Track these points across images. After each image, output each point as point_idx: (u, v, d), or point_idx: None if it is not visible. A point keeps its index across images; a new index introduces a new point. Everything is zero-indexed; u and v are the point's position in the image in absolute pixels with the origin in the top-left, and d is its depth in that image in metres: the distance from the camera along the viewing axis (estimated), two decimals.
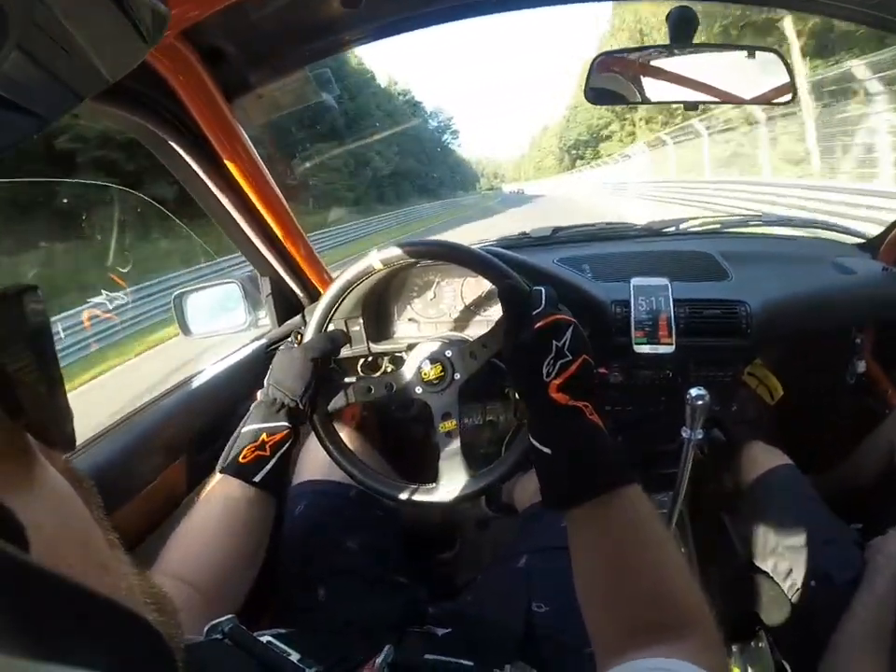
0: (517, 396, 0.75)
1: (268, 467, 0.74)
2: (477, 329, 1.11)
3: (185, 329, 1.19)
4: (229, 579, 0.71)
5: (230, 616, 0.57)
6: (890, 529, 1.00)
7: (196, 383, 1.07)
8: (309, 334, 0.85)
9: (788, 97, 0.97)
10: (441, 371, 0.81)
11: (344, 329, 1.10)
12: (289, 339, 0.84)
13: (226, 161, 0.91)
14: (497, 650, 0.68)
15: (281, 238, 1.10)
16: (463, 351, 0.81)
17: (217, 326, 1.21)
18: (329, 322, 0.88)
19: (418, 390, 0.84)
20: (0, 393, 0.24)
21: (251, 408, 0.79)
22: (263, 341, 1.23)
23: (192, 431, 1.00)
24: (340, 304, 0.87)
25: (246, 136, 0.91)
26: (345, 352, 1.13)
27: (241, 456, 0.73)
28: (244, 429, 0.76)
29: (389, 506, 1.00)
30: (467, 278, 1.17)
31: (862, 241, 1.47)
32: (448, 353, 0.81)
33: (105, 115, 0.80)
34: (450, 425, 0.82)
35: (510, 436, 1.39)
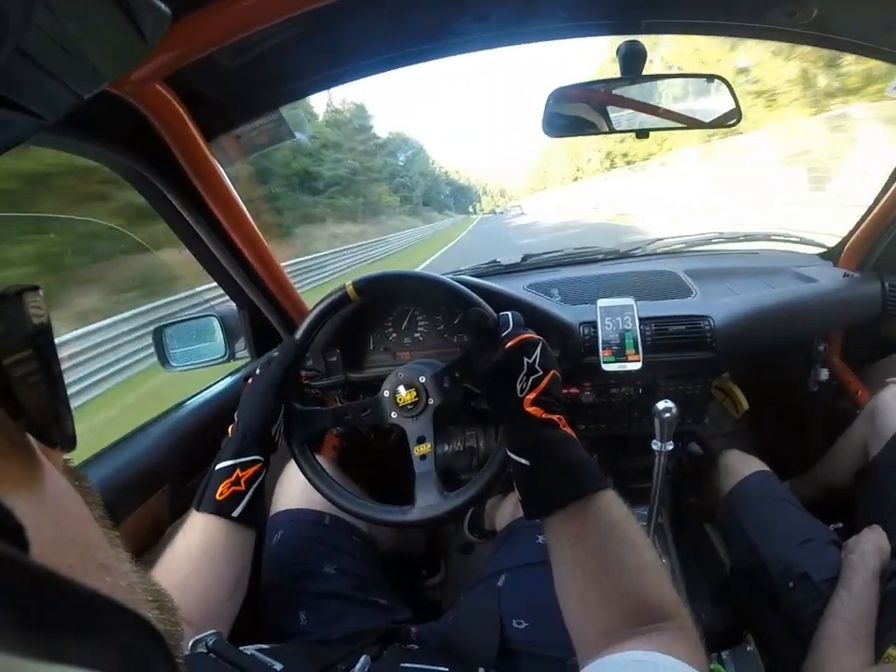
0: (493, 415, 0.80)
1: (244, 501, 0.77)
2: (451, 355, 1.16)
3: (164, 363, 1.22)
4: (215, 607, 0.73)
5: (213, 631, 0.60)
6: (866, 528, 1.06)
7: (178, 414, 1.10)
8: (293, 344, 0.89)
9: (734, 120, 1.05)
10: (415, 397, 0.85)
11: (322, 360, 1.15)
12: (257, 372, 0.87)
13: (205, 198, 0.95)
14: (473, 659, 0.71)
15: (258, 271, 1.14)
16: (437, 376, 0.85)
17: (197, 358, 1.24)
18: (306, 351, 0.91)
19: (394, 415, 0.87)
20: (1, 393, 0.24)
21: (223, 444, 0.82)
22: (240, 373, 1.26)
23: (175, 462, 1.02)
24: (315, 336, 0.91)
25: (225, 174, 0.95)
26: (323, 381, 1.18)
27: (217, 493, 0.76)
28: (217, 466, 0.78)
29: (366, 533, 1.03)
30: (440, 307, 1.22)
31: (823, 250, 1.57)
32: (422, 378, 0.85)
33: (87, 152, 0.84)
34: (424, 448, 0.85)
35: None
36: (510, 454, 0.66)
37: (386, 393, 0.87)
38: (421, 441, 0.86)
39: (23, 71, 0.26)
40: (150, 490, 0.96)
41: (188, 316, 1.27)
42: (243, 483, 0.77)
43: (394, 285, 0.89)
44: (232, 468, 0.77)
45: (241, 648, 0.62)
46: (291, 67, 0.88)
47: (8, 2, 0.21)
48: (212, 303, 1.32)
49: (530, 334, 0.71)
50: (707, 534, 1.44)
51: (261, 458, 0.80)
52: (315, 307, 0.90)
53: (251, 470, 0.78)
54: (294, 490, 1.01)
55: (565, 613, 0.61)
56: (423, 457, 0.85)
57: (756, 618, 1.15)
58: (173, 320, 1.25)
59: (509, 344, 0.69)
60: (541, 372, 0.67)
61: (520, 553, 0.94)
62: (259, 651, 0.63)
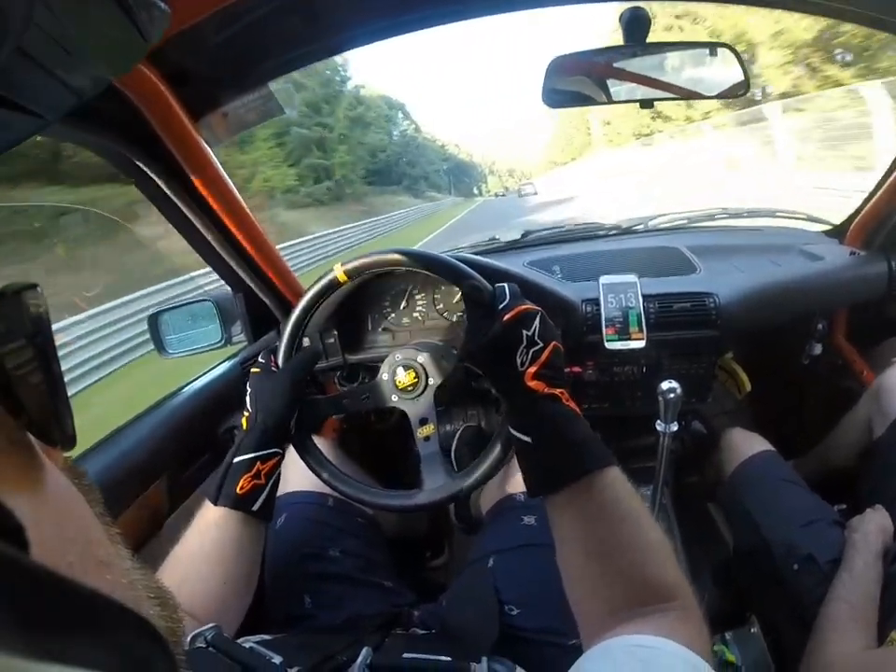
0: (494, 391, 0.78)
1: (264, 494, 0.76)
2: (450, 334, 1.14)
3: (160, 349, 1.21)
4: (227, 605, 0.72)
5: (212, 625, 0.59)
6: (869, 508, 1.05)
7: (174, 401, 1.08)
8: (282, 350, 0.86)
9: (742, 90, 1.01)
10: (414, 378, 0.83)
11: (319, 342, 1.13)
12: (261, 359, 0.85)
13: (194, 180, 0.92)
14: (475, 648, 0.70)
15: (252, 254, 1.12)
16: (435, 356, 0.83)
17: (193, 344, 1.23)
18: (302, 336, 0.89)
19: (394, 398, 0.86)
20: (1, 391, 0.24)
21: (240, 437, 0.79)
22: (238, 358, 1.25)
23: (173, 450, 1.01)
24: (311, 318, 0.89)
25: (213, 154, 0.92)
26: (321, 364, 1.15)
27: (238, 488, 0.74)
28: (236, 459, 0.76)
29: (369, 514, 1.03)
30: (439, 285, 1.19)
31: (828, 227, 1.53)
32: (420, 359, 0.83)
33: (71, 137, 0.82)
34: (427, 430, 0.84)
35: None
36: (512, 430, 0.64)
37: (385, 375, 0.86)
38: (423, 422, 0.84)
39: (23, 71, 0.26)
40: (148, 480, 0.95)
41: (183, 301, 1.25)
42: (263, 477, 0.76)
43: (384, 263, 0.85)
44: (252, 461, 0.76)
45: (240, 640, 0.62)
46: (278, 40, 0.85)
47: (8, 1, 0.21)
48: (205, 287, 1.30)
49: (528, 305, 0.68)
50: (709, 513, 1.43)
51: (280, 451, 0.80)
52: (305, 292, 0.87)
53: (270, 463, 0.77)
54: (297, 473, 0.99)
55: (568, 591, 0.60)
56: (427, 439, 0.84)
57: (759, 599, 1.14)
58: (168, 306, 1.23)
59: (506, 317, 0.66)
60: (541, 344, 0.65)
61: (506, 535, 0.93)
62: (259, 642, 0.62)
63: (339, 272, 0.83)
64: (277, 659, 0.57)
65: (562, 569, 0.61)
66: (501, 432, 0.77)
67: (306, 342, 1.06)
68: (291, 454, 1.03)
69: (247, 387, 0.83)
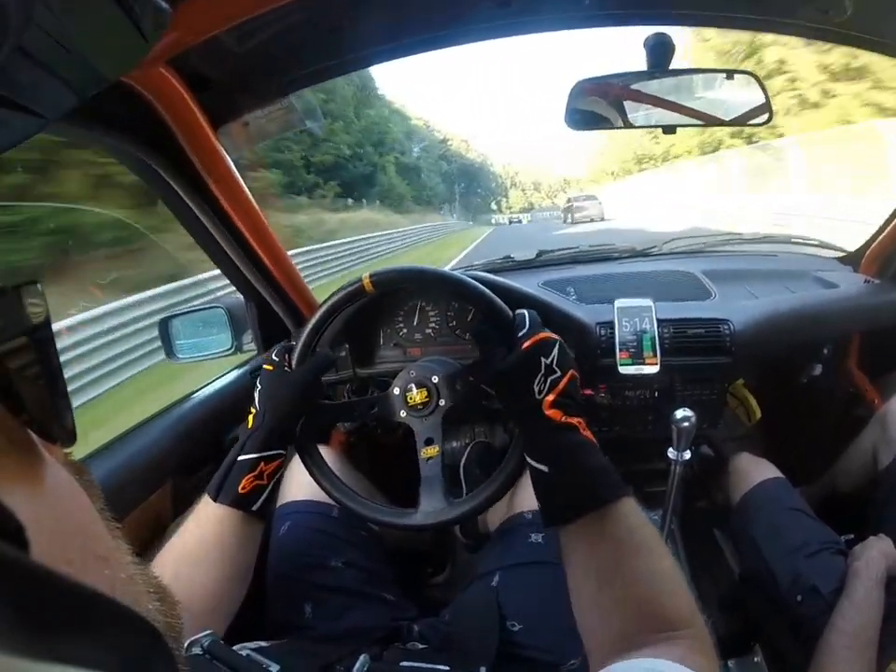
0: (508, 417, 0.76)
1: (265, 495, 0.76)
2: (463, 352, 1.13)
3: (170, 354, 1.20)
4: (220, 600, 0.72)
5: (209, 632, 0.58)
6: (871, 536, 1.03)
7: (182, 408, 1.08)
8: (297, 350, 0.85)
9: (765, 118, 1.01)
10: (426, 397, 0.82)
11: (330, 354, 1.12)
12: (275, 356, 0.84)
13: (211, 187, 0.92)
14: (474, 658, 0.70)
15: (266, 263, 1.12)
16: (450, 378, 0.82)
17: (203, 350, 1.22)
18: (316, 346, 0.88)
19: (402, 413, 0.84)
20: (1, 388, 0.24)
21: (244, 435, 0.79)
22: (247, 367, 1.24)
23: (179, 456, 1.00)
24: (326, 328, 0.88)
25: (232, 163, 0.92)
26: (331, 376, 1.15)
27: (240, 486, 0.74)
28: (240, 458, 0.76)
29: (373, 527, 1.01)
30: (451, 302, 1.19)
31: (842, 254, 1.52)
32: (434, 378, 0.82)
33: (92, 140, 0.81)
34: (432, 451, 0.82)
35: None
36: (527, 458, 0.64)
37: (397, 390, 0.85)
38: (429, 442, 0.83)
39: (24, 70, 0.26)
40: (154, 486, 0.94)
41: (194, 307, 1.25)
42: (265, 478, 0.76)
43: (411, 279, 0.85)
44: (256, 461, 0.75)
45: (237, 647, 0.61)
46: (301, 53, 0.85)
47: (9, 1, 0.21)
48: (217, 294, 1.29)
49: (548, 333, 0.68)
50: (716, 539, 1.42)
51: (283, 452, 0.79)
52: (327, 299, 0.86)
53: (274, 464, 0.77)
54: (302, 481, 0.99)
55: (578, 618, 0.59)
56: (429, 460, 0.82)
57: (764, 628, 1.13)
58: (179, 311, 1.23)
59: (525, 344, 0.66)
60: (559, 373, 0.64)
61: (513, 552, 0.92)
62: (256, 650, 0.62)
63: (366, 280, 0.82)
64: (275, 667, 0.57)
65: (573, 596, 0.60)
66: (511, 460, 0.76)
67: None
68: (297, 462, 1.03)
69: (257, 383, 0.82)
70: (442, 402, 0.82)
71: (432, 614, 0.92)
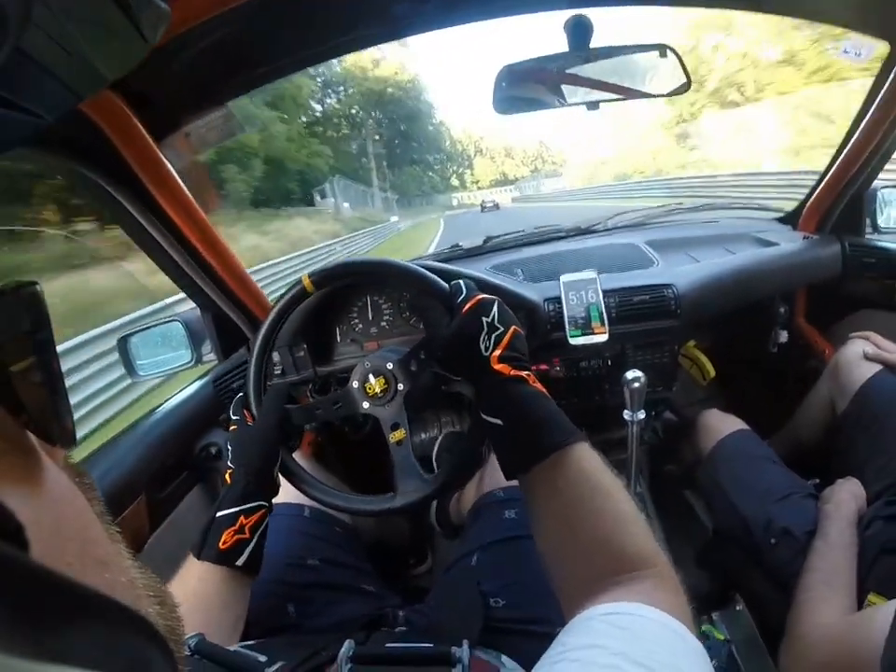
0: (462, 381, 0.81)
1: (249, 548, 0.76)
2: (414, 336, 1.19)
3: (131, 372, 1.23)
4: None
5: (195, 633, 0.60)
6: (839, 479, 1.12)
7: (148, 422, 1.11)
8: (253, 405, 0.88)
9: (684, 86, 1.09)
10: (384, 384, 0.86)
11: (290, 356, 1.16)
12: (234, 416, 0.87)
13: (159, 201, 0.95)
14: (457, 637, 0.71)
15: (218, 271, 1.15)
16: (403, 361, 0.86)
17: (164, 366, 1.25)
18: (271, 352, 0.92)
19: (365, 405, 0.88)
20: (0, 390, 0.24)
21: (223, 492, 0.80)
22: (209, 376, 1.27)
23: (149, 470, 1.03)
24: (279, 332, 0.92)
25: (176, 174, 0.96)
26: (293, 377, 1.19)
27: (221, 542, 0.74)
28: (219, 514, 0.76)
29: (348, 523, 1.05)
30: (403, 294, 1.24)
31: (781, 215, 1.64)
32: (389, 365, 0.86)
33: (38, 160, 0.84)
34: (399, 434, 0.86)
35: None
36: (483, 416, 0.67)
37: (356, 383, 0.88)
38: (395, 427, 0.87)
39: (23, 71, 0.26)
40: (127, 502, 0.96)
41: (151, 323, 1.27)
42: (247, 531, 0.76)
43: (348, 273, 0.89)
44: (236, 515, 0.76)
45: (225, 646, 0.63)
46: (234, 62, 0.89)
47: (8, 1, 0.20)
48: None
49: (485, 295, 0.72)
50: (687, 500, 1.50)
51: (266, 504, 0.80)
52: (274, 305, 0.90)
53: (255, 517, 0.77)
54: None
55: (547, 569, 0.62)
56: (399, 443, 0.86)
57: (742, 577, 1.20)
58: (136, 328, 1.25)
59: (465, 307, 0.71)
60: (502, 328, 0.69)
61: (489, 531, 0.96)
62: (244, 646, 0.64)
63: (305, 282, 0.86)
64: (262, 657, 0.59)
65: (539, 547, 0.63)
66: (472, 427, 0.81)
67: (276, 356, 1.09)
68: None
69: (227, 446, 0.84)
70: (401, 387, 0.86)
71: (417, 601, 0.95)
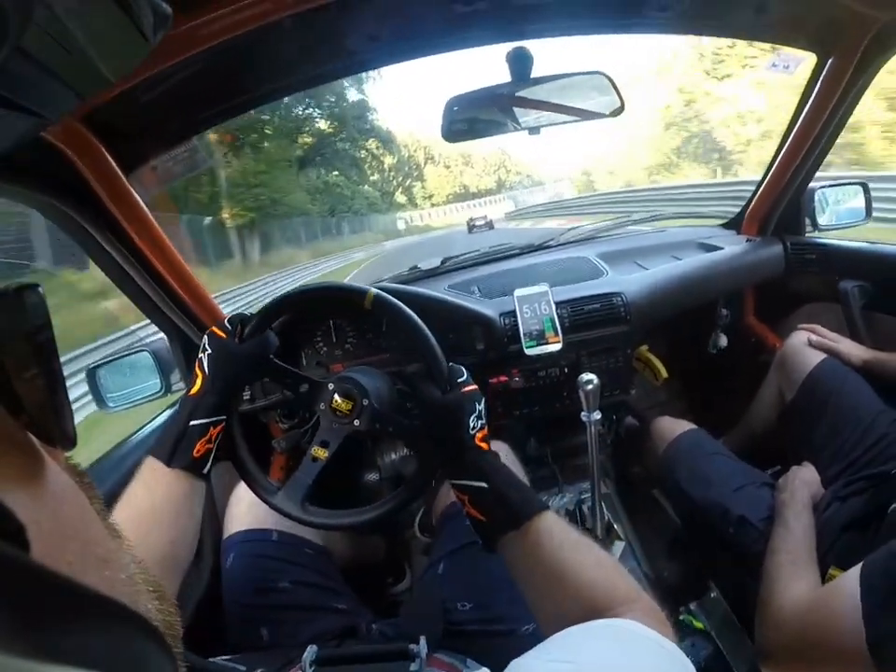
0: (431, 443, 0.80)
1: (211, 458, 0.81)
2: (381, 361, 1.26)
3: (101, 404, 1.25)
4: (173, 564, 0.76)
5: None
6: (794, 466, 1.20)
7: (122, 451, 1.14)
8: (250, 329, 0.87)
9: (618, 109, 1.19)
10: (350, 405, 0.86)
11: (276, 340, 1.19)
12: (228, 324, 0.87)
13: (128, 231, 1.01)
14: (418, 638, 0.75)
15: (186, 301, 1.20)
16: (367, 378, 0.88)
17: (134, 396, 1.28)
18: (270, 327, 0.90)
19: (335, 426, 0.87)
20: (1, 390, 0.25)
21: (192, 400, 0.81)
22: (179, 405, 1.30)
23: None
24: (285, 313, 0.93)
25: (145, 206, 1.01)
26: (261, 402, 1.22)
27: (195, 451, 0.78)
28: (192, 423, 0.79)
29: (318, 544, 1.08)
30: (363, 315, 1.27)
31: (725, 221, 1.77)
32: (352, 384, 0.86)
33: (6, 192, 0.87)
34: (321, 453, 0.87)
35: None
36: (460, 482, 0.75)
37: (322, 405, 0.88)
38: (324, 445, 0.87)
39: (24, 71, 0.26)
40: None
41: (119, 354, 1.30)
42: (213, 441, 0.81)
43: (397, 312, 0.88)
44: (206, 426, 0.80)
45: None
46: (199, 98, 0.96)
47: (9, 1, 0.21)
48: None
49: (476, 387, 0.82)
50: (655, 498, 1.57)
51: (226, 417, 0.84)
52: (275, 300, 0.91)
53: (219, 428, 0.83)
54: (240, 512, 1.06)
55: (535, 614, 0.69)
56: (314, 460, 0.87)
57: (711, 566, 1.28)
58: (104, 360, 1.28)
59: (466, 389, 0.79)
60: (484, 420, 0.79)
61: (455, 538, 1.02)
62: (223, 660, 0.68)
63: (369, 297, 0.85)
64: (242, 667, 0.64)
65: (529, 599, 0.70)
66: (423, 469, 0.84)
67: None
68: (236, 494, 1.09)
69: (205, 346, 0.85)
70: (366, 402, 0.85)
71: (392, 616, 0.99)
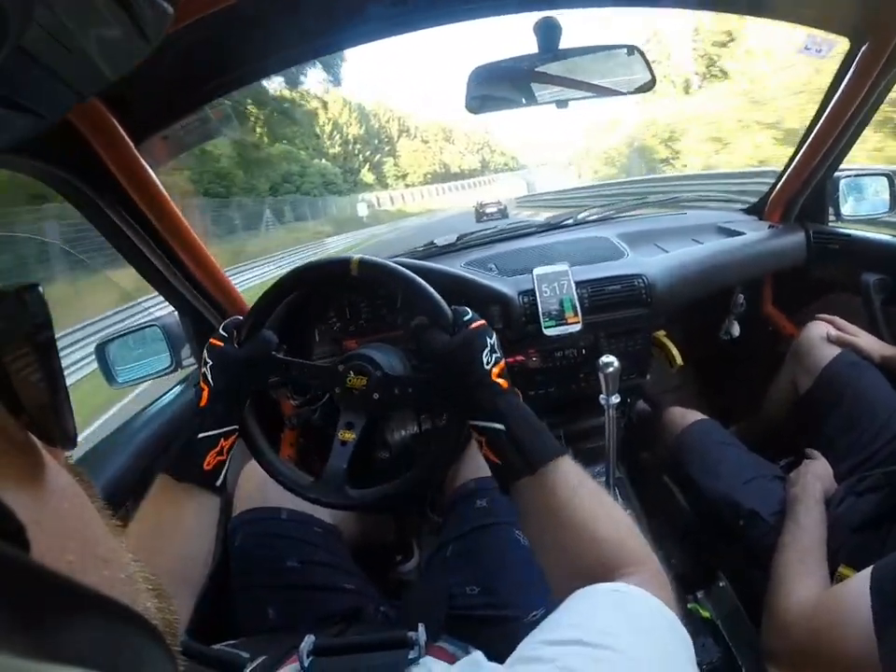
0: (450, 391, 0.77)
1: (224, 470, 0.80)
2: (396, 337, 1.24)
3: (110, 379, 1.24)
4: (185, 582, 0.75)
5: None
6: (806, 460, 1.19)
7: (130, 428, 1.13)
8: (245, 333, 0.86)
9: (650, 84, 1.16)
10: (365, 381, 0.85)
11: (274, 336, 1.17)
12: (224, 332, 0.86)
13: (138, 203, 0.99)
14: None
15: (196, 274, 1.18)
16: (382, 356, 0.87)
17: (143, 371, 1.27)
18: (263, 325, 0.89)
19: (337, 391, 0.86)
20: (1, 390, 0.25)
21: (201, 412, 0.80)
22: (189, 381, 1.30)
23: (134, 477, 1.05)
24: (275, 307, 0.89)
25: (156, 177, 0.99)
26: (273, 378, 1.22)
27: (205, 464, 0.77)
28: (201, 435, 0.78)
29: (328, 523, 1.08)
30: (378, 290, 1.28)
31: (747, 206, 1.73)
32: (367, 361, 0.85)
33: (15, 164, 0.86)
34: (348, 435, 0.85)
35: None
36: (479, 423, 0.72)
37: (338, 389, 0.87)
38: (349, 427, 0.86)
39: (24, 69, 0.27)
40: (114, 508, 0.98)
41: (128, 329, 1.29)
42: (224, 453, 0.80)
43: (337, 273, 0.87)
44: (217, 437, 0.79)
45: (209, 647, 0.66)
46: (210, 66, 0.94)
47: (8, 1, 0.21)
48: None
49: (485, 322, 0.79)
50: (666, 485, 1.57)
51: (237, 427, 0.83)
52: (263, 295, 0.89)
53: (231, 439, 0.81)
54: (249, 491, 1.06)
55: (542, 563, 0.68)
56: (343, 444, 0.85)
57: (720, 556, 1.27)
58: (114, 335, 1.27)
59: (473, 325, 0.77)
60: (500, 353, 0.76)
61: (463, 521, 1.01)
62: (226, 646, 0.67)
63: (354, 262, 0.84)
64: (245, 654, 0.63)
65: (534, 544, 0.69)
66: (452, 433, 0.81)
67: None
68: (244, 474, 1.09)
69: (206, 358, 0.84)
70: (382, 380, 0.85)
71: (400, 598, 1.00)
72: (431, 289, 0.82)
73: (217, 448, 0.79)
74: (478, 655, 0.55)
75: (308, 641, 0.63)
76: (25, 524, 0.17)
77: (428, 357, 0.79)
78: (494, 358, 0.75)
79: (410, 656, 0.60)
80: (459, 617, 0.86)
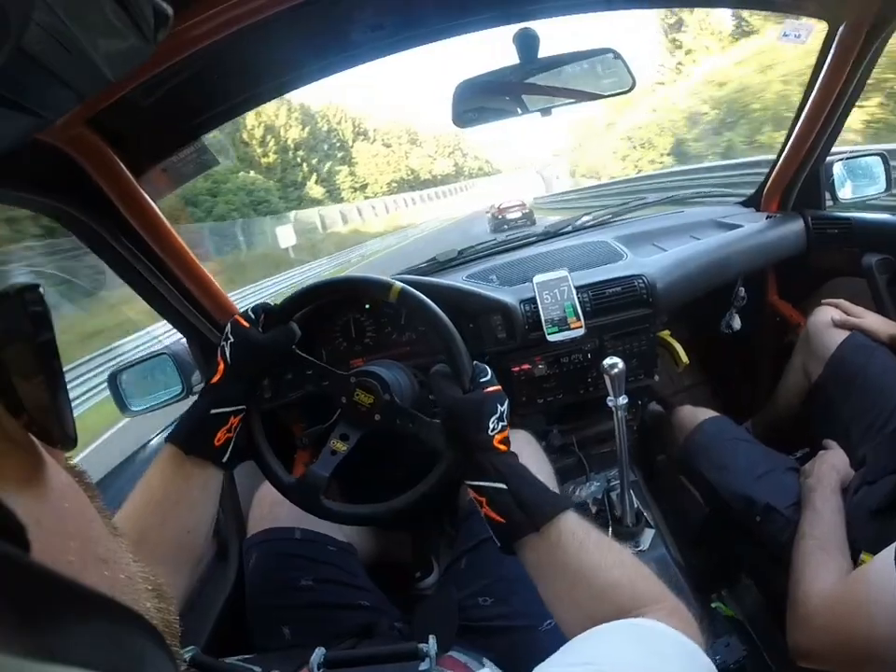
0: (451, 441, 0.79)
1: (231, 446, 0.81)
2: (403, 354, 1.26)
3: (123, 408, 1.27)
4: (188, 553, 0.78)
5: (190, 647, 0.62)
6: (820, 450, 1.19)
7: (143, 455, 1.16)
8: (276, 318, 0.89)
9: (630, 86, 1.18)
10: (372, 398, 0.88)
11: (278, 380, 1.19)
12: (252, 313, 0.87)
13: (141, 234, 1.02)
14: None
15: (202, 302, 1.21)
16: (389, 373, 0.90)
17: (155, 399, 1.29)
18: (292, 318, 0.91)
19: (355, 419, 0.89)
20: (1, 391, 0.25)
21: (215, 389, 0.82)
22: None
23: None
24: (309, 304, 0.93)
25: (157, 208, 1.03)
26: (283, 400, 1.24)
27: (215, 440, 0.79)
28: (214, 411, 0.80)
29: (342, 541, 1.09)
30: (382, 308, 1.31)
31: (743, 198, 1.74)
32: (374, 378, 0.88)
33: (19, 201, 0.89)
34: (340, 446, 0.87)
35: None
36: (477, 483, 0.73)
37: (344, 399, 0.90)
38: (344, 438, 0.88)
39: (25, 71, 0.27)
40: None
41: (139, 358, 1.32)
42: (233, 431, 0.81)
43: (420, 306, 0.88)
44: (227, 415, 0.80)
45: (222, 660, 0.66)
46: (202, 98, 0.97)
47: (9, 1, 0.21)
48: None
49: (500, 388, 0.80)
50: (683, 485, 1.56)
51: (246, 407, 0.85)
52: (297, 292, 0.92)
53: (240, 418, 0.83)
54: (263, 512, 1.07)
55: (558, 618, 0.68)
56: (333, 453, 0.87)
57: (741, 552, 1.26)
58: (125, 364, 1.30)
59: (489, 389, 0.78)
60: (505, 422, 0.77)
61: (475, 532, 1.01)
62: (240, 660, 0.67)
63: (395, 290, 0.86)
64: (258, 668, 0.64)
65: (548, 599, 0.69)
66: (438, 472, 0.83)
67: (265, 381, 1.13)
68: (257, 495, 1.10)
69: (228, 334, 0.85)
70: (388, 398, 0.88)
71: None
72: (461, 342, 0.83)
73: (228, 425, 0.81)
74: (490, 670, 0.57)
75: (318, 654, 0.64)
76: (26, 524, 0.17)
77: (439, 404, 0.81)
78: (500, 426, 0.76)
79: (421, 668, 0.61)
80: (472, 628, 0.86)
